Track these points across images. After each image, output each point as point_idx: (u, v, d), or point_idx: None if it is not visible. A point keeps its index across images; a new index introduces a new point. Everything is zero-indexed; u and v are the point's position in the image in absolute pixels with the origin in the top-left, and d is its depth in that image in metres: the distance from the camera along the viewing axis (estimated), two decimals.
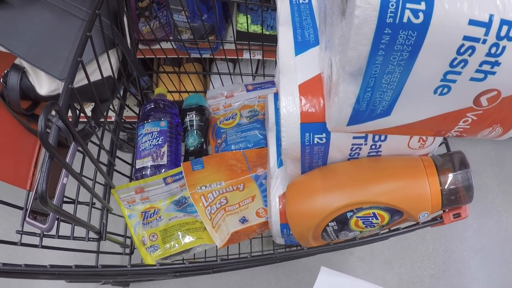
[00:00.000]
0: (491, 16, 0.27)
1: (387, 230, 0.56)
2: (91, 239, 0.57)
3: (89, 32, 0.45)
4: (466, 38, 0.27)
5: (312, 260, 1.12)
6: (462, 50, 0.28)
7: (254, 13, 0.87)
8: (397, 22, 0.26)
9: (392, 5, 0.25)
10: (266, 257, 0.54)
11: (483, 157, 1.31)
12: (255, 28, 0.88)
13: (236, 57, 0.86)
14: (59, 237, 0.55)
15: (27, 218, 0.55)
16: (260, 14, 0.86)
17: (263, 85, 0.83)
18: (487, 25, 0.27)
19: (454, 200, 0.47)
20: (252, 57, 0.91)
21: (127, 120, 0.82)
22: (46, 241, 0.56)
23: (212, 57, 0.91)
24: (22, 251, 0.58)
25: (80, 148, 0.49)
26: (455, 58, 0.29)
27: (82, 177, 0.56)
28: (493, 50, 0.29)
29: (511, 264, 1.15)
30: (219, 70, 0.88)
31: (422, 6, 0.25)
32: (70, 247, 0.60)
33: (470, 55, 0.29)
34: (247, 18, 0.75)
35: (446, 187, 0.46)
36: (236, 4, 0.91)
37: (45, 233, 0.54)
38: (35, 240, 0.57)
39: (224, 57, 0.85)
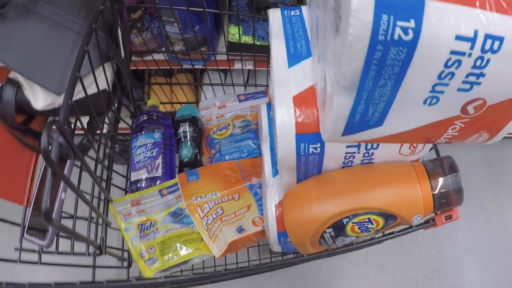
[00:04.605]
0: (476, 31, 0.28)
1: (382, 233, 0.57)
2: (91, 254, 0.56)
3: (86, 47, 0.46)
4: (453, 52, 0.29)
5: (307, 266, 1.13)
6: (449, 64, 0.30)
7: (245, 24, 0.89)
8: (388, 39, 0.27)
9: (384, 23, 0.26)
10: (269, 265, 0.55)
11: (472, 158, 1.34)
12: (246, 39, 0.90)
13: (228, 68, 0.88)
14: (59, 253, 0.54)
15: (25, 235, 0.55)
16: (251, 25, 0.88)
17: (255, 95, 0.84)
18: (472, 40, 0.29)
19: (445, 203, 0.49)
20: (243, 67, 0.92)
21: (120, 131, 0.82)
22: (43, 257, 0.56)
23: (204, 67, 0.92)
24: (14, 268, 0.57)
25: (76, 163, 0.50)
26: (443, 71, 0.31)
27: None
28: (478, 62, 0.30)
29: (503, 262, 1.18)
30: (211, 79, 0.89)
31: (412, 23, 0.27)
32: (64, 262, 0.59)
33: (457, 67, 0.30)
34: (239, 28, 0.76)
35: (437, 191, 0.48)
36: (228, 15, 0.92)
37: (44, 249, 0.53)
38: (29, 256, 0.56)
39: (216, 67, 0.86)
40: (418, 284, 1.14)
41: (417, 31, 0.27)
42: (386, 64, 0.29)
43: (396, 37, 0.27)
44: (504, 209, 1.28)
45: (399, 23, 0.26)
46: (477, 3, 0.28)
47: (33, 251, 0.57)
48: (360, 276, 1.14)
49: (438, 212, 0.55)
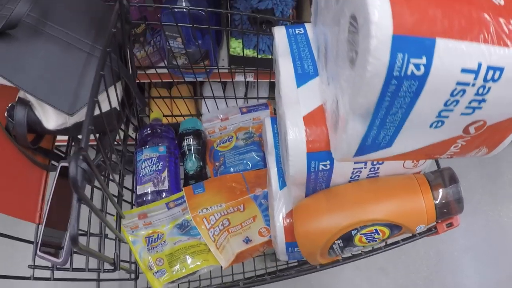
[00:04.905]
0: (479, 64, 0.31)
1: (385, 243, 0.60)
2: (106, 270, 0.58)
3: (102, 71, 0.47)
4: (458, 83, 0.31)
5: None
6: (455, 93, 0.32)
7: (246, 37, 0.91)
8: (402, 74, 0.29)
9: (399, 61, 0.29)
10: (283, 275, 0.57)
11: (467, 161, 1.38)
12: (247, 52, 0.92)
13: (231, 80, 0.89)
14: (74, 269, 0.55)
15: (38, 252, 0.56)
16: (251, 39, 0.90)
17: (257, 107, 0.86)
18: (476, 72, 0.31)
19: (446, 212, 0.52)
20: (244, 79, 0.94)
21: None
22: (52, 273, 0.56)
23: (206, 80, 0.94)
24: (13, 283, 0.57)
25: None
26: (449, 99, 0.33)
27: None
28: (481, 90, 0.33)
29: (500, 260, 1.21)
30: (212, 90, 0.90)
31: (423, 60, 0.29)
32: (67, 276, 0.59)
33: (461, 96, 0.33)
34: (243, 43, 0.78)
35: (439, 202, 0.51)
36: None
37: (58, 266, 0.54)
38: (38, 272, 0.57)
39: (219, 80, 0.87)
40: (418, 286, 1.16)
41: (428, 66, 0.29)
42: (398, 95, 0.31)
43: (409, 72, 0.29)
44: (500, 208, 1.32)
45: (412, 60, 0.29)
46: (481, 38, 0.31)
47: (47, 267, 0.58)
48: (361, 279, 1.16)
49: (440, 221, 0.58)
